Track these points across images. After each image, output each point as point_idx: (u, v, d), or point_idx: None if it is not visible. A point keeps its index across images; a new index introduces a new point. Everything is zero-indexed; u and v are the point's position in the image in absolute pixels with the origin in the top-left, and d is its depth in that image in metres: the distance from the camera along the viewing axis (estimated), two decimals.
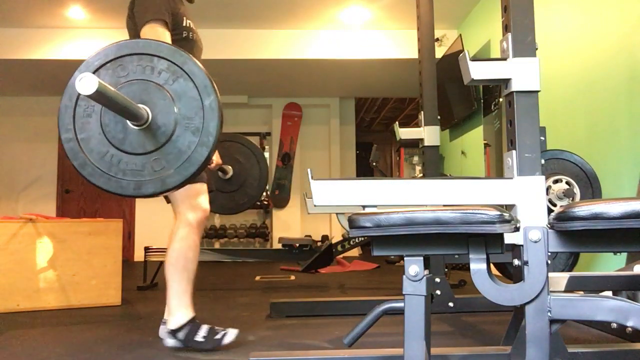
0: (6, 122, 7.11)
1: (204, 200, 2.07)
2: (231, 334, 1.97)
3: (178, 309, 1.97)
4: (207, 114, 1.45)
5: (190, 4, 2.26)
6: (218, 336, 1.95)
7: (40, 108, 7.11)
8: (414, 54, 3.11)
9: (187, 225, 2.03)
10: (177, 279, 1.98)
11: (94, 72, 1.46)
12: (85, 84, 1.19)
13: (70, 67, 5.39)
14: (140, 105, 1.44)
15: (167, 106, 1.45)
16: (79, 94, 1.44)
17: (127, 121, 1.45)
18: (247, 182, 2.80)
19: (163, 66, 1.46)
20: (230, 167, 2.76)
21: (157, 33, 1.94)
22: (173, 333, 1.96)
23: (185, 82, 1.46)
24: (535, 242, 1.30)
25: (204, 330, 1.95)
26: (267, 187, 7.46)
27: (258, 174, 2.82)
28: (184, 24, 2.10)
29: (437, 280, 2.70)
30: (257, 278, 4.62)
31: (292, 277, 4.64)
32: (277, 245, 5.72)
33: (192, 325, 1.96)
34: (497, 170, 4.31)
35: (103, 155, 1.46)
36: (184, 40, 2.08)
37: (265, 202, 7.44)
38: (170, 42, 1.96)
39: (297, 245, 4.85)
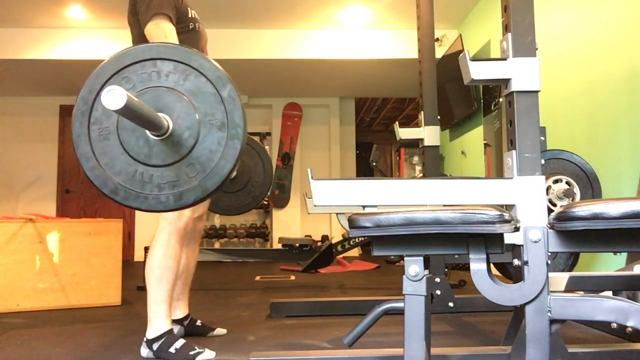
0: (6, 122, 7.11)
1: None
2: (207, 354, 1.90)
3: (155, 319, 1.93)
4: (228, 105, 1.37)
5: None
6: (192, 352, 1.89)
7: (40, 108, 7.11)
8: (414, 54, 3.11)
9: (167, 231, 1.97)
10: (154, 287, 1.94)
11: (98, 93, 1.39)
12: (113, 97, 1.13)
13: (70, 67, 5.36)
14: (159, 114, 1.37)
15: (186, 108, 1.37)
16: (90, 118, 1.38)
17: (148, 133, 1.37)
18: (251, 180, 2.76)
19: (169, 68, 1.38)
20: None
21: (162, 29, 1.91)
22: (148, 343, 1.92)
23: (197, 78, 1.38)
24: (535, 242, 1.30)
25: (179, 343, 1.91)
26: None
27: (262, 172, 2.78)
28: (190, 15, 2.07)
29: (437, 280, 2.70)
30: (257, 278, 4.62)
31: (292, 277, 4.64)
32: (277, 245, 5.72)
33: (168, 336, 1.92)
34: (497, 170, 4.30)
35: (132, 175, 1.37)
36: (191, 32, 2.05)
37: (265, 202, 7.43)
38: (175, 37, 1.94)
39: (297, 245, 4.85)
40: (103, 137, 1.39)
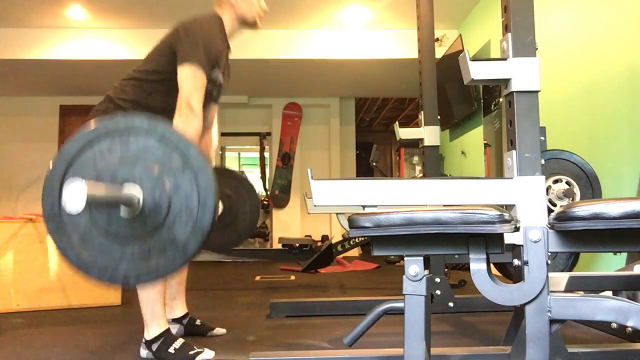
0: (6, 122, 7.11)
1: None
2: (207, 354, 1.90)
3: (151, 321, 1.93)
4: (179, 145, 1.35)
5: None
6: (191, 352, 1.89)
7: (40, 108, 7.11)
8: (414, 54, 3.11)
9: None
10: (145, 289, 1.93)
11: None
12: (74, 199, 1.10)
13: (70, 67, 5.34)
14: (130, 188, 1.34)
15: (144, 170, 1.34)
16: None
17: (124, 211, 1.34)
18: (237, 217, 2.75)
19: (106, 142, 1.36)
20: (220, 202, 2.71)
21: (196, 79, 1.91)
22: (147, 344, 1.92)
23: (135, 137, 1.36)
24: (535, 242, 1.30)
25: (178, 343, 1.91)
26: (268, 188, 7.47)
27: (249, 210, 2.77)
28: (212, 77, 2.07)
29: (437, 280, 2.70)
30: (257, 278, 4.61)
31: (292, 277, 4.64)
32: (277, 245, 5.72)
33: (166, 337, 1.92)
34: (497, 170, 4.30)
35: (132, 258, 1.35)
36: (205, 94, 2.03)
37: (265, 202, 7.44)
38: (202, 94, 1.94)
39: (297, 245, 4.86)
40: (88, 241, 1.36)
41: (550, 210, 1.45)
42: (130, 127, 1.38)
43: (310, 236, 6.93)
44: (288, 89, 6.97)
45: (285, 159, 7.45)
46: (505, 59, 1.47)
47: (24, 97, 7.10)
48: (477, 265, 1.23)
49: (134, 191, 1.34)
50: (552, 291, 1.30)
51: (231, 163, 8.60)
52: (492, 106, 4.46)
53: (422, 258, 1.21)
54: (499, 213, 1.15)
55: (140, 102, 2.03)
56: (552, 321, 1.28)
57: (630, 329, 1.93)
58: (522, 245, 1.33)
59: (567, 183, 2.46)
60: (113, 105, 2.04)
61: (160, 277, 1.37)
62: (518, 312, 1.45)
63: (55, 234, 1.37)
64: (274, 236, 7.20)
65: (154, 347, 1.90)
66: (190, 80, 1.92)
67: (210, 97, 2.13)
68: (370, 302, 2.76)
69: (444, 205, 1.33)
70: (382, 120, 9.86)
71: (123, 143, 1.37)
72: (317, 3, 4.92)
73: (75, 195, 1.11)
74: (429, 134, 2.91)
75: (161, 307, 1.96)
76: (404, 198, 1.46)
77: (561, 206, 1.24)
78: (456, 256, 2.80)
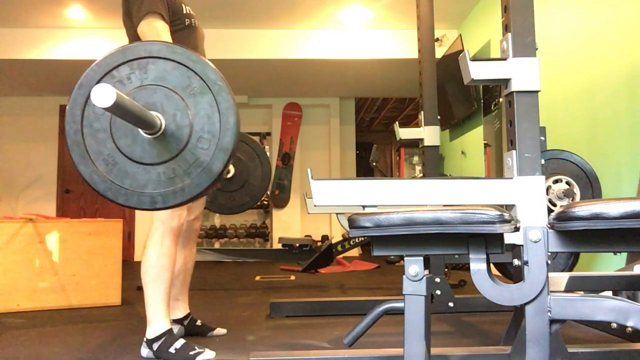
0: (6, 122, 7.10)
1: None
2: (207, 354, 1.90)
3: (154, 319, 1.93)
4: (197, 68, 1.38)
5: None
6: (192, 353, 1.88)
7: (40, 108, 7.11)
8: (414, 54, 3.11)
9: (160, 230, 1.99)
10: (151, 287, 1.94)
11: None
12: (102, 95, 1.12)
13: (70, 67, 5.34)
14: (153, 113, 1.37)
15: (164, 96, 1.38)
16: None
17: (140, 131, 1.37)
18: (248, 182, 2.76)
19: (126, 70, 1.39)
20: (232, 165, 2.73)
21: (154, 28, 1.92)
22: (148, 343, 1.92)
23: (155, 64, 1.39)
24: (535, 242, 1.30)
25: (178, 343, 1.91)
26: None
27: (260, 174, 2.78)
28: (184, 12, 2.08)
29: (437, 280, 2.70)
30: (257, 278, 4.62)
31: (292, 277, 4.64)
32: (277, 245, 5.72)
33: (168, 336, 1.92)
34: (497, 170, 4.30)
35: (161, 177, 1.38)
36: (187, 28, 2.05)
37: (265, 202, 7.44)
38: (168, 35, 1.95)
39: (297, 245, 4.85)
40: (113, 167, 1.38)
41: (550, 210, 1.45)
42: (149, 53, 1.39)
43: (310, 236, 6.93)
44: (288, 89, 6.97)
45: (285, 159, 7.45)
46: (505, 59, 1.47)
47: (24, 97, 7.10)
48: (477, 265, 1.23)
49: (160, 117, 1.37)
50: (552, 291, 1.30)
51: None
52: (492, 106, 4.46)
53: (422, 258, 1.21)
54: (499, 213, 1.15)
55: None
56: (552, 321, 1.28)
57: (630, 329, 1.93)
58: (522, 245, 1.33)
59: (567, 183, 2.46)
60: None
61: (187, 199, 1.39)
62: (518, 312, 1.45)
63: (80, 162, 1.39)
64: (274, 236, 7.20)
65: (155, 346, 1.90)
66: (150, 31, 1.92)
67: (197, 31, 2.11)
68: (370, 302, 2.76)
69: (444, 205, 1.33)
70: (382, 120, 9.86)
71: (142, 70, 1.39)
72: (317, 3, 4.92)
73: (104, 93, 1.13)
74: (429, 134, 2.91)
75: (166, 307, 1.96)
76: (404, 198, 1.46)
77: (561, 206, 1.24)
78: (456, 256, 2.80)
